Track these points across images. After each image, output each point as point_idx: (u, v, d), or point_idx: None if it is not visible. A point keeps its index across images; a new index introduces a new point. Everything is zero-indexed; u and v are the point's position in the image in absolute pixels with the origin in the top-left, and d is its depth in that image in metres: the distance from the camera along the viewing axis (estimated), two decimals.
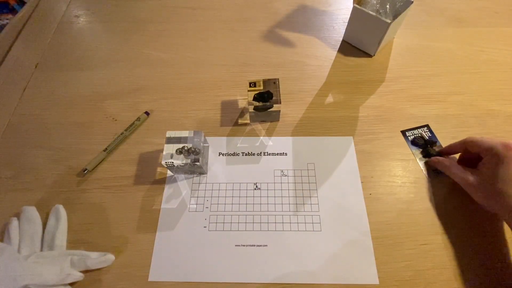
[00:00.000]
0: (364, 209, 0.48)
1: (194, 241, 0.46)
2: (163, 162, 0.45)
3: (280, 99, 0.50)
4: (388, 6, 0.58)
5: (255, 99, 0.50)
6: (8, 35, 0.71)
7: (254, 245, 0.45)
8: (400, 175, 0.51)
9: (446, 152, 0.50)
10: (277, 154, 0.53)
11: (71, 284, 0.42)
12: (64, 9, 0.75)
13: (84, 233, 0.47)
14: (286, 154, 0.53)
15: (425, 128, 0.55)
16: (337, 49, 0.66)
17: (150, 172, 0.52)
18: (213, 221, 0.47)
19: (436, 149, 0.52)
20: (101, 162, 0.52)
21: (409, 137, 0.54)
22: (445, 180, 0.50)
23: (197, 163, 0.45)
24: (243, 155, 0.53)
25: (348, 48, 0.66)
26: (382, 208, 0.48)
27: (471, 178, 0.43)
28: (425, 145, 0.53)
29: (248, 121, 0.57)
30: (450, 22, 0.70)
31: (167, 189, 0.50)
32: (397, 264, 0.44)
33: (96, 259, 0.43)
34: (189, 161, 0.45)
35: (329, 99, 0.59)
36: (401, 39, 0.67)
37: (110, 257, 0.43)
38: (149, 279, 0.43)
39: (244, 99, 0.59)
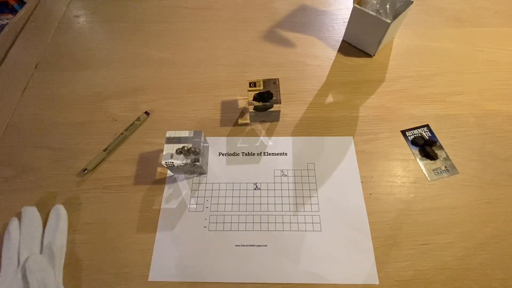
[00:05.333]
0: (364, 209, 0.48)
1: (194, 241, 0.46)
2: (163, 162, 0.45)
3: (280, 99, 0.50)
4: (388, 6, 0.58)
5: (255, 99, 0.50)
6: (8, 35, 0.71)
7: (254, 245, 0.45)
8: (400, 175, 0.51)
9: None
10: (277, 154, 0.53)
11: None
12: (64, 9, 0.75)
13: (84, 233, 0.47)
14: (286, 154, 0.53)
15: (425, 128, 0.55)
16: (337, 49, 0.66)
17: (150, 172, 0.52)
18: (213, 221, 0.47)
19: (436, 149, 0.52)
20: (101, 162, 0.52)
21: (409, 137, 0.54)
22: (445, 180, 0.50)
23: (197, 163, 0.45)
24: (243, 155, 0.53)
25: (348, 48, 0.66)
26: (382, 208, 0.48)
27: None
28: (425, 145, 0.53)
29: (248, 121, 0.57)
30: (450, 22, 0.70)
31: (167, 189, 0.50)
32: (397, 264, 0.44)
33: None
34: (189, 161, 0.45)
35: (329, 99, 0.59)
36: (401, 39, 0.67)
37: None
38: (149, 279, 0.43)
39: (244, 99, 0.59)
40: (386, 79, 0.61)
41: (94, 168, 0.52)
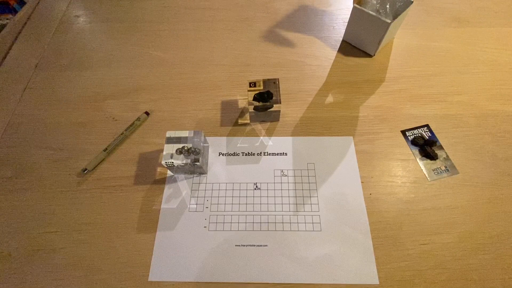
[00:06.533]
0: (364, 209, 0.48)
1: (194, 241, 0.46)
2: (163, 162, 0.45)
3: (280, 99, 0.50)
4: (388, 6, 0.58)
5: (255, 99, 0.50)
6: (8, 35, 0.71)
7: (254, 245, 0.45)
8: (400, 175, 0.51)
9: None
10: (277, 154, 0.53)
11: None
12: (64, 9, 0.75)
13: (84, 233, 0.47)
14: (286, 154, 0.53)
15: (425, 128, 0.55)
16: (337, 49, 0.66)
17: (150, 172, 0.52)
18: (213, 221, 0.47)
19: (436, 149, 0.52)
20: (101, 162, 0.52)
21: (409, 137, 0.54)
22: (445, 180, 0.50)
23: (197, 163, 0.45)
24: (243, 155, 0.53)
25: (348, 48, 0.66)
26: (382, 208, 0.48)
27: None
28: (425, 145, 0.53)
29: (248, 121, 0.57)
30: (450, 22, 0.70)
31: (167, 189, 0.50)
32: (397, 264, 0.44)
33: None
34: (189, 161, 0.45)
35: (329, 99, 0.59)
36: (401, 39, 0.67)
37: None
38: (149, 279, 0.43)
39: (244, 99, 0.59)
40: (386, 79, 0.61)
41: (94, 168, 0.52)
